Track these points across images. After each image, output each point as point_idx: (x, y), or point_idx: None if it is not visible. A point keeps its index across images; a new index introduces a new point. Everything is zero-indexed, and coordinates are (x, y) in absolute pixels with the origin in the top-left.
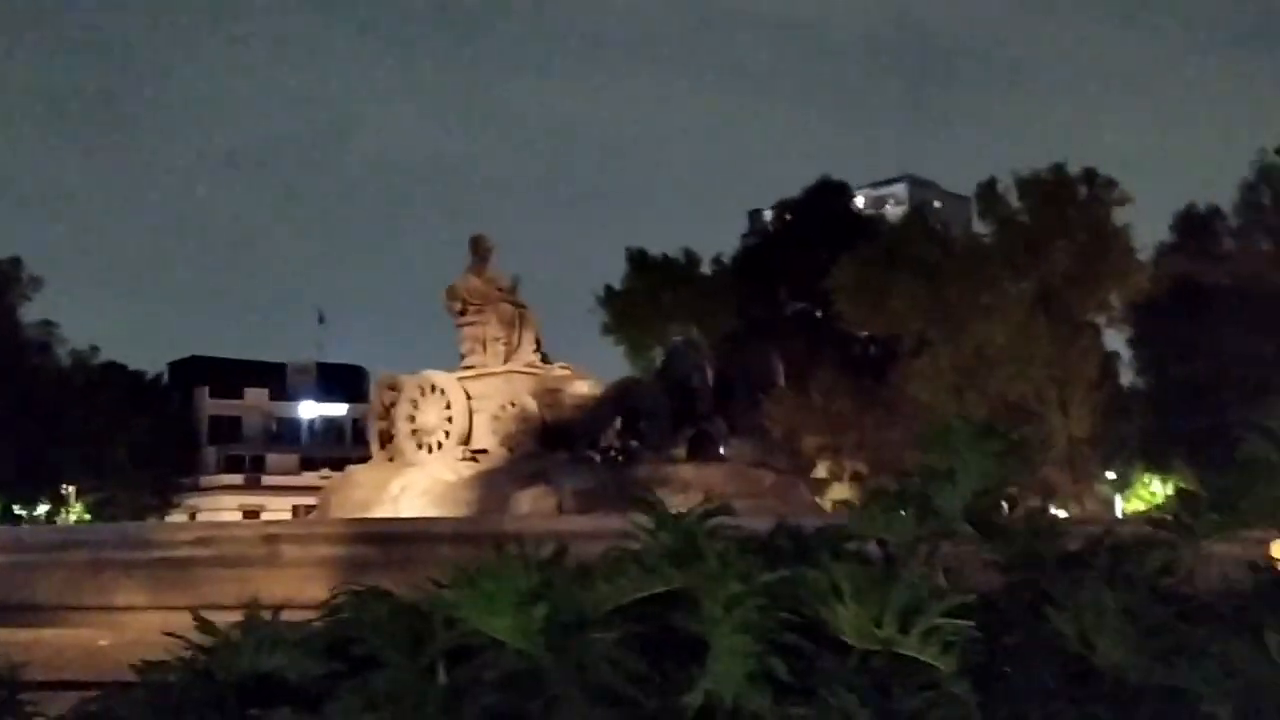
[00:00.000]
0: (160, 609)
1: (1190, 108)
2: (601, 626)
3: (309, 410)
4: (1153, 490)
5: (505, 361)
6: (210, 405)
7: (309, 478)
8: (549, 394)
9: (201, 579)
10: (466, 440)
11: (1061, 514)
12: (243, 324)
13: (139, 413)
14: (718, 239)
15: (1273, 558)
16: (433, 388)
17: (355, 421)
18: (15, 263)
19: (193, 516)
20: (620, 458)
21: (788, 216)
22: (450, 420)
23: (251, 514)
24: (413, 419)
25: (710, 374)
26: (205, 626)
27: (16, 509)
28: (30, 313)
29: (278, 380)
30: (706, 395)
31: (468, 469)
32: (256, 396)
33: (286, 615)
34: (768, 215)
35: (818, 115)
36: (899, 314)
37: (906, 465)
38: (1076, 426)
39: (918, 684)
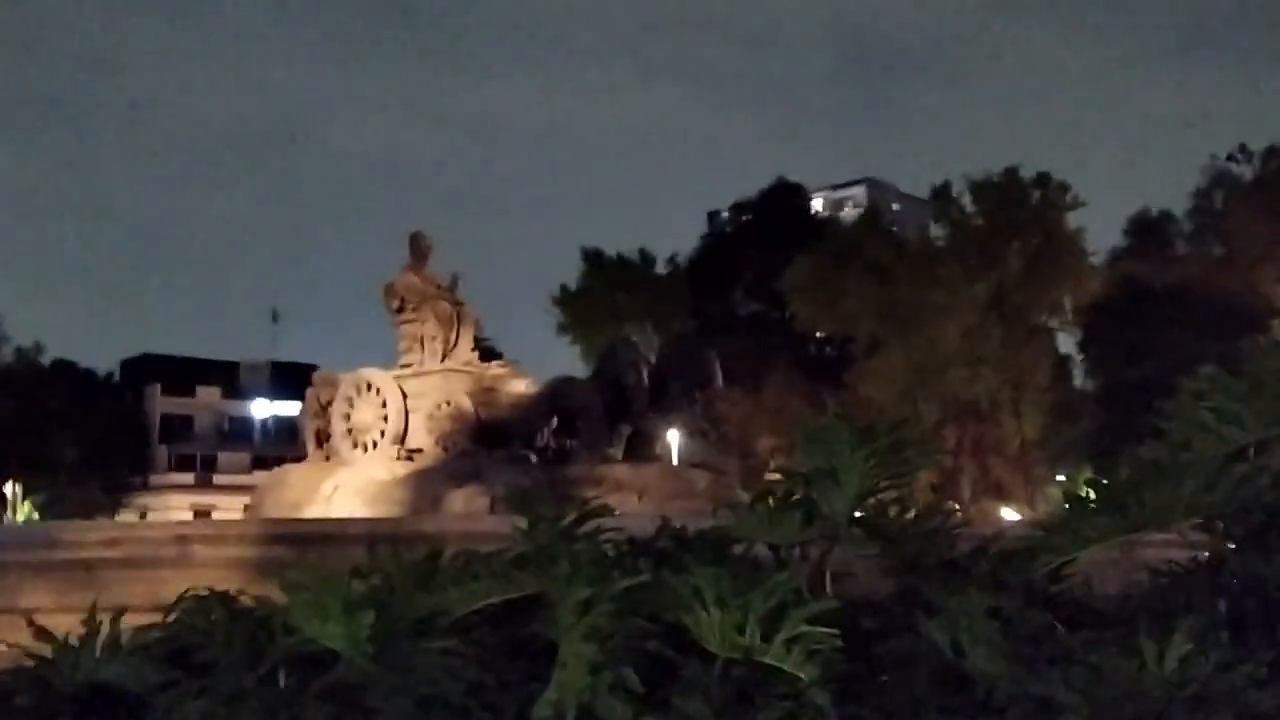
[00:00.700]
0: (67, 611)
1: (1143, 113)
2: (439, 634)
3: (262, 409)
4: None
5: (442, 360)
6: (162, 403)
7: (261, 477)
8: (485, 393)
9: (110, 580)
10: (402, 439)
11: (1013, 515)
12: (196, 322)
13: (90, 410)
14: (678, 240)
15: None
16: (368, 386)
17: None
18: None
19: (143, 515)
20: (556, 457)
21: (744, 218)
22: (385, 419)
23: (203, 513)
24: (348, 417)
25: (645, 373)
26: (41, 634)
27: None
28: None
29: (230, 378)
30: (641, 394)
31: (402, 468)
32: (209, 395)
33: None
34: (725, 216)
35: (778, 118)
36: (852, 315)
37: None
38: (1028, 428)
39: (779, 693)
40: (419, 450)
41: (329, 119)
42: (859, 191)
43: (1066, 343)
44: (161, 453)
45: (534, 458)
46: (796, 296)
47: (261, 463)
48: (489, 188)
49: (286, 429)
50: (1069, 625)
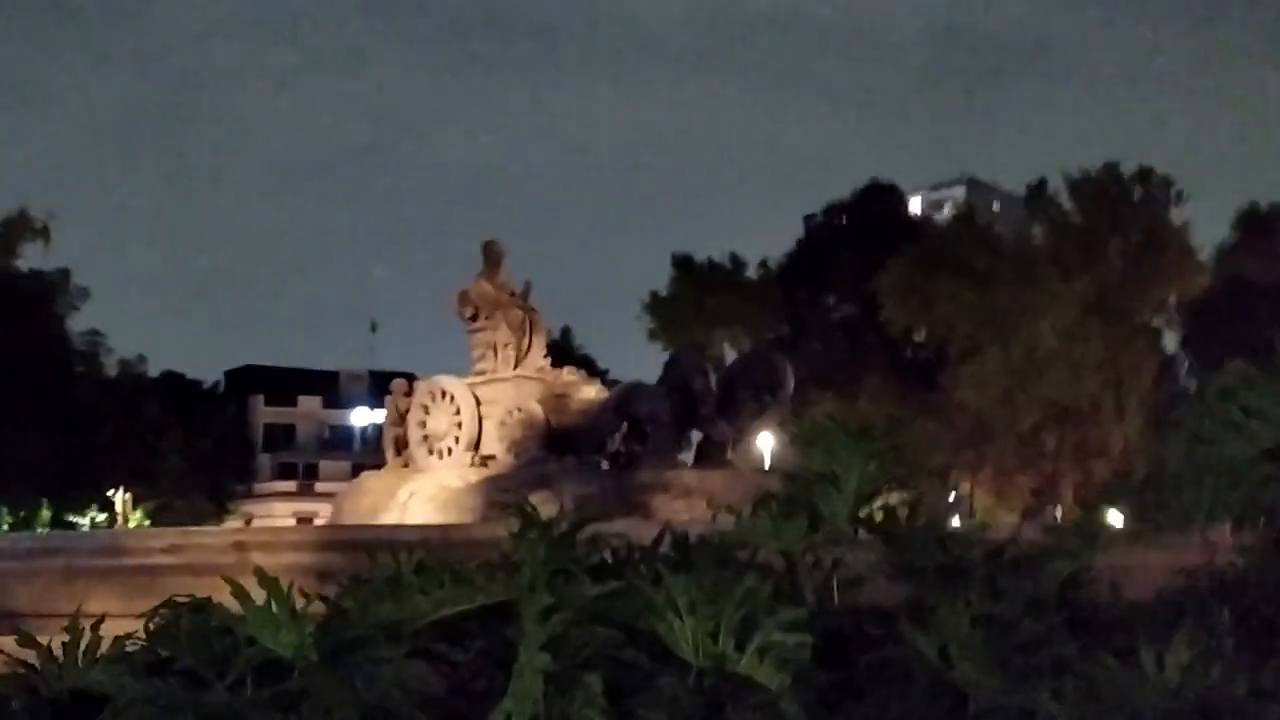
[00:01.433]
0: (130, 616)
1: (1252, 102)
2: (397, 643)
3: (361, 417)
4: None
5: (515, 367)
6: (265, 413)
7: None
8: (555, 399)
9: (171, 586)
10: (475, 446)
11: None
12: (297, 333)
13: (196, 421)
14: (775, 244)
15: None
16: (443, 393)
17: None
18: (64, 274)
19: (248, 522)
20: (626, 463)
21: (837, 220)
22: (460, 426)
23: (305, 520)
24: (424, 425)
25: (714, 379)
26: (28, 641)
27: (70, 516)
28: (80, 323)
29: (331, 388)
30: (709, 400)
31: (474, 475)
32: (310, 404)
33: None
34: (819, 219)
35: (875, 119)
36: (947, 317)
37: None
38: (1131, 430)
39: (751, 704)
40: (492, 457)
41: (426, 131)
42: (958, 192)
43: (1170, 342)
44: (265, 461)
45: (604, 464)
46: (889, 299)
47: (361, 470)
48: (583, 197)
49: None
50: (1084, 632)
